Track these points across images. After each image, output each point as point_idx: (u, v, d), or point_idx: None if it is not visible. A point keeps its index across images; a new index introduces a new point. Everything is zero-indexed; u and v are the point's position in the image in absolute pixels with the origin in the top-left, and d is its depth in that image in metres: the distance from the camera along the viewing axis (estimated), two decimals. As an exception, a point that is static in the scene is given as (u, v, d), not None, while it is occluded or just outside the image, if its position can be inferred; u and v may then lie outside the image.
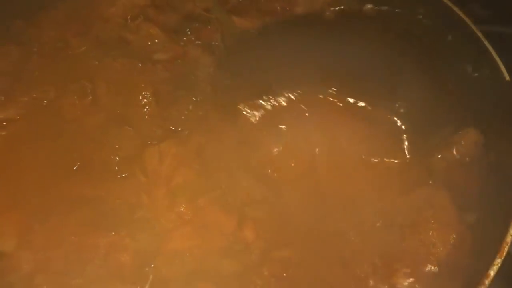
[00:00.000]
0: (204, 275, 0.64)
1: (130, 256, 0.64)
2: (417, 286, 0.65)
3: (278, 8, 0.97)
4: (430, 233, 0.69)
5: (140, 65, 0.86)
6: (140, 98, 0.81)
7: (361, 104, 0.82)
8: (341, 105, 0.83)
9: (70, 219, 0.67)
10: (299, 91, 0.84)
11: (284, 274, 0.66)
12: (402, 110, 0.81)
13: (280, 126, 0.82)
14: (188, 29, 0.94)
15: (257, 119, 0.82)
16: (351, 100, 0.82)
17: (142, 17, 0.97)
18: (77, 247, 0.64)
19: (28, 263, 0.63)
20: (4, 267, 0.64)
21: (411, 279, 0.66)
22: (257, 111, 0.84)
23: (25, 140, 0.77)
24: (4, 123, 0.79)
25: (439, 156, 0.75)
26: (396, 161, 0.76)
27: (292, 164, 0.77)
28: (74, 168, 0.73)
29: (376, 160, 0.76)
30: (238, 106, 0.83)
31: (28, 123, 0.80)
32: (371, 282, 0.67)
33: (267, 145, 0.79)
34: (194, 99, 0.83)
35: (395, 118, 0.81)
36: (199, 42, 0.89)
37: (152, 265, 0.64)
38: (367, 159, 0.77)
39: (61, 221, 0.67)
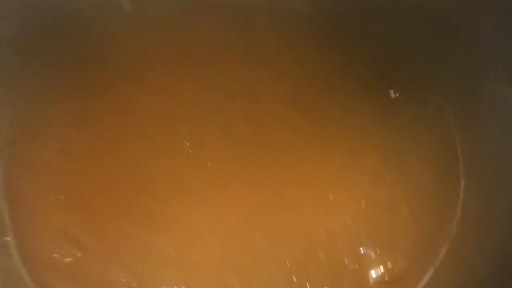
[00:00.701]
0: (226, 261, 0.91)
1: (174, 251, 0.91)
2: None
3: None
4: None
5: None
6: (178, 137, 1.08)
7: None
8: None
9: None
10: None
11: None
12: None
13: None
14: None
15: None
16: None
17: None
18: (137, 244, 0.91)
19: (101, 253, 0.90)
20: (86, 258, 0.91)
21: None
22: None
23: (95, 167, 1.03)
24: (84, 152, 1.06)
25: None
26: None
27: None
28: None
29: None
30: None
31: (97, 154, 1.05)
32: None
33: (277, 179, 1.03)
34: (220, 139, 1.08)
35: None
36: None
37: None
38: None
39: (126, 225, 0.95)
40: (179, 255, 0.90)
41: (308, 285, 0.90)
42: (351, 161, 1.04)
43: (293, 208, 0.98)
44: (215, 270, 0.90)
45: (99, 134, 1.11)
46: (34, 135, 1.05)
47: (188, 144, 1.07)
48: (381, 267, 0.94)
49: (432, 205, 0.98)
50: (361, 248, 0.95)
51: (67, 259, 0.90)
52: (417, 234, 0.97)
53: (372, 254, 0.95)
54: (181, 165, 1.03)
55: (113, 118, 1.13)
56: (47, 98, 1.10)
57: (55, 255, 0.91)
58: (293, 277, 0.90)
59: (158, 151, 1.05)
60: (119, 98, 1.15)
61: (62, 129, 1.09)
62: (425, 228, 0.97)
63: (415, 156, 1.02)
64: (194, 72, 1.20)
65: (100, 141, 1.09)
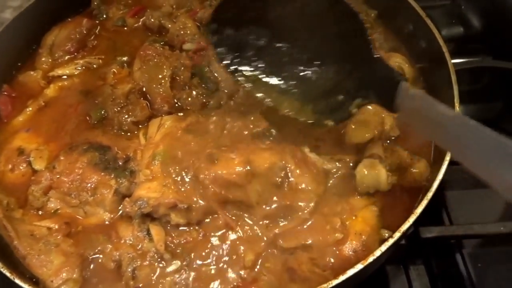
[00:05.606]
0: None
1: (111, 193, 0.87)
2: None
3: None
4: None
5: (170, 51, 1.05)
6: (160, 77, 1.02)
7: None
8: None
9: (84, 157, 0.92)
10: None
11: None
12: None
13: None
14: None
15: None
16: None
17: (185, 8, 1.17)
18: (80, 178, 0.89)
19: (47, 181, 0.89)
20: (32, 180, 0.90)
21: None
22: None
23: (74, 92, 1.03)
24: (64, 77, 1.06)
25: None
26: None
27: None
28: (95, 122, 0.97)
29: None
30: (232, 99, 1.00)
31: (79, 79, 1.05)
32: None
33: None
34: (203, 87, 1.02)
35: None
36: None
37: (123, 203, 0.87)
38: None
39: (78, 157, 0.91)
40: (111, 198, 0.86)
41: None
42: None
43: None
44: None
45: (88, 60, 1.10)
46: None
47: (166, 88, 1.01)
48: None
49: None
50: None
51: (15, 174, 0.92)
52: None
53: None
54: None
55: (105, 48, 1.13)
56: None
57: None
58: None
59: (135, 89, 1.01)
60: (117, 29, 1.16)
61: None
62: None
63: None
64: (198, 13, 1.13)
65: (87, 67, 1.09)
